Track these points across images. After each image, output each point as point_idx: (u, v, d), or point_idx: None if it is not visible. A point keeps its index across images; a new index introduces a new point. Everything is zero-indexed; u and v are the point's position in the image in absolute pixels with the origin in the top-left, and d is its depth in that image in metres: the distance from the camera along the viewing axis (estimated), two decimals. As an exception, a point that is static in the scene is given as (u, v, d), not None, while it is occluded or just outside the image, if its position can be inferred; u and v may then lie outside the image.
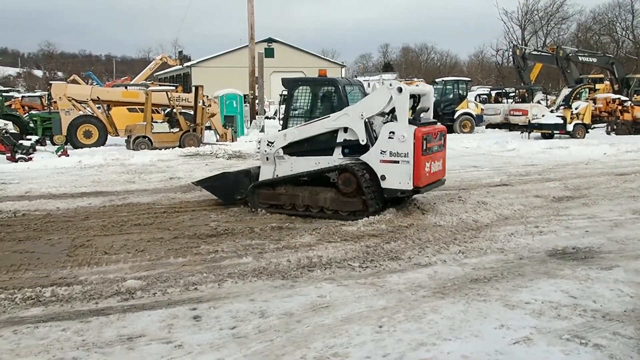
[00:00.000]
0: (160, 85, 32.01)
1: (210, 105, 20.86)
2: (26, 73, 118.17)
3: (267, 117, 31.34)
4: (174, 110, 20.01)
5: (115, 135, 20.30)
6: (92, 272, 6.19)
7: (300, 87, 9.38)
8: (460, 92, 26.60)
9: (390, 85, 8.49)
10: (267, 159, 9.26)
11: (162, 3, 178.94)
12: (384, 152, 8.40)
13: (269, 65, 35.95)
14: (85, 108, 20.42)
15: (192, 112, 20.41)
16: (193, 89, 20.57)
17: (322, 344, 4.37)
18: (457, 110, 25.60)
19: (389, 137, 8.36)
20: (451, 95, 26.52)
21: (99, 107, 20.18)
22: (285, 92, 9.86)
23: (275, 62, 39.68)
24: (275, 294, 5.48)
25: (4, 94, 29.74)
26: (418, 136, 8.24)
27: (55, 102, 20.73)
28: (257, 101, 27.95)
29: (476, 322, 4.75)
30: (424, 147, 8.37)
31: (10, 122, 18.92)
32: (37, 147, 17.32)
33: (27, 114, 25.76)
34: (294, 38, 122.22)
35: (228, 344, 4.39)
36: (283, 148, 9.10)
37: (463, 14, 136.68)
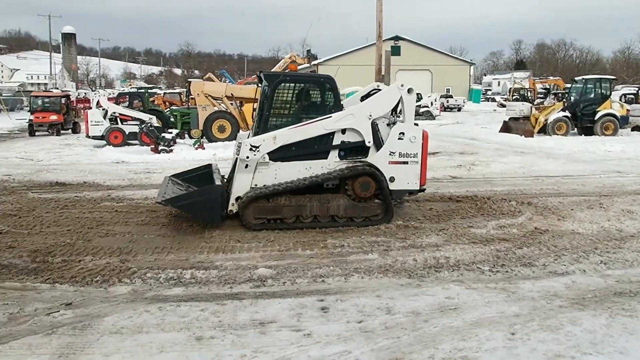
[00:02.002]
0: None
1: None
2: (167, 71, 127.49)
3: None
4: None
5: (246, 130, 21.22)
6: (227, 259, 6.54)
7: (286, 84, 8.28)
8: (602, 91, 24.68)
9: (402, 85, 8.20)
10: (247, 166, 7.96)
11: (296, 4, 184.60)
12: (393, 153, 8.18)
13: (395, 64, 35.75)
14: (220, 104, 21.58)
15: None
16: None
17: (450, 345, 4.28)
18: (598, 111, 23.82)
19: (399, 138, 8.14)
20: (592, 95, 24.68)
21: (232, 104, 21.23)
22: (266, 89, 8.34)
23: (401, 60, 39.44)
24: (402, 292, 5.45)
25: (148, 90, 32.34)
26: (426, 136, 8.28)
27: (193, 98, 22.11)
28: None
29: (621, 338, 4.40)
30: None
31: (154, 117, 20.47)
32: (177, 140, 18.58)
33: (168, 109, 27.74)
34: (421, 36, 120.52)
35: (355, 337, 4.44)
36: (269, 153, 7.98)
37: (606, 6, 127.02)
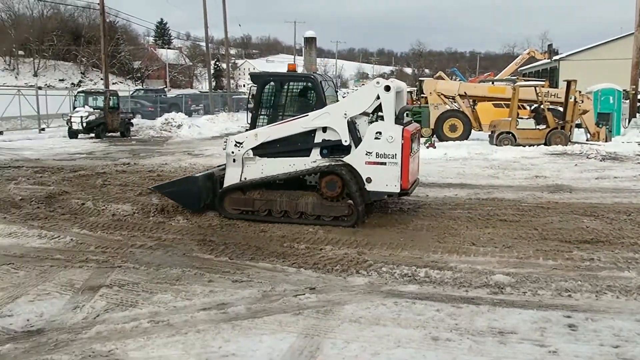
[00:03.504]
0: (525, 80, 31.21)
1: (582, 102, 19.35)
2: (398, 70, 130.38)
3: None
4: (542, 106, 19.24)
5: (479, 130, 20.66)
6: (461, 261, 6.39)
7: (272, 83, 8.70)
8: None
9: (378, 83, 7.89)
10: (234, 160, 8.41)
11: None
12: (370, 153, 7.89)
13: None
14: (452, 103, 21.33)
15: (560, 109, 19.32)
16: (564, 83, 19.36)
17: None
18: None
19: (376, 138, 7.84)
20: None
21: (465, 102, 20.83)
22: (253, 88, 8.78)
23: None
24: (668, 319, 4.72)
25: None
26: (406, 136, 7.81)
27: (424, 97, 22.19)
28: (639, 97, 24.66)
29: None
30: (411, 148, 7.92)
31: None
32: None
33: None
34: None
35: (611, 363, 3.97)
36: (253, 149, 8.30)
37: None
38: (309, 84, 8.71)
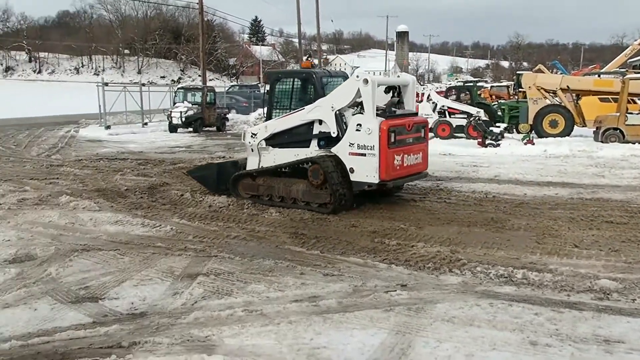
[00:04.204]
0: (635, 72, 29.14)
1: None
2: (494, 64, 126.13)
3: None
4: (654, 100, 17.88)
5: (582, 126, 19.51)
6: (562, 263, 6.06)
7: (281, 80, 9.57)
8: None
9: (358, 77, 8.30)
10: (252, 150, 9.42)
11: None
12: (352, 144, 8.35)
13: None
14: (553, 97, 20.29)
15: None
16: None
17: None
18: None
19: (357, 130, 8.28)
20: None
21: (567, 97, 19.74)
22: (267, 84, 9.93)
23: None
24: None
25: (477, 84, 32.36)
26: (384, 129, 8.10)
27: (521, 91, 21.26)
28: None
29: None
30: (392, 140, 8.22)
31: (482, 110, 20.37)
32: (505, 135, 18.15)
33: (494, 103, 27.34)
34: None
35: None
36: (265, 140, 9.23)
37: None
38: (309, 79, 9.39)
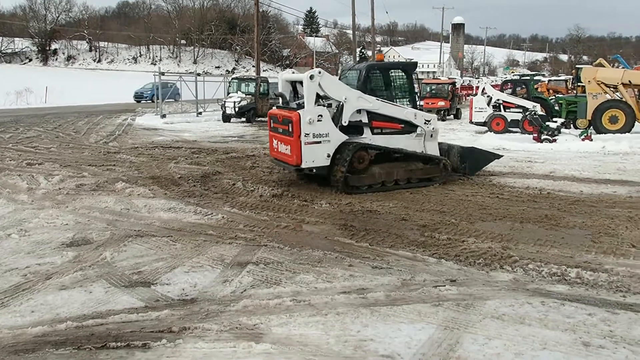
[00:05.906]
0: None
1: None
2: (552, 57, 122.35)
3: None
4: None
5: (645, 122, 18.72)
6: (619, 264, 5.87)
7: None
8: None
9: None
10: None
11: None
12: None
13: None
14: (614, 92, 19.54)
15: None
16: None
17: None
18: None
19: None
20: None
21: (629, 92, 18.96)
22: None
23: None
24: None
25: (534, 78, 31.48)
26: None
27: (580, 85, 20.55)
28: None
29: None
30: (271, 125, 10.00)
31: (538, 105, 19.82)
32: (562, 130, 17.61)
33: (552, 97, 26.53)
34: None
35: None
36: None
37: None
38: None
